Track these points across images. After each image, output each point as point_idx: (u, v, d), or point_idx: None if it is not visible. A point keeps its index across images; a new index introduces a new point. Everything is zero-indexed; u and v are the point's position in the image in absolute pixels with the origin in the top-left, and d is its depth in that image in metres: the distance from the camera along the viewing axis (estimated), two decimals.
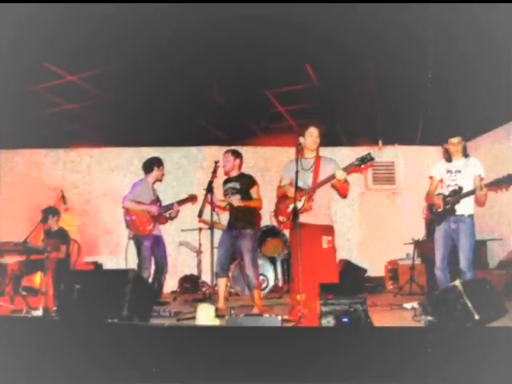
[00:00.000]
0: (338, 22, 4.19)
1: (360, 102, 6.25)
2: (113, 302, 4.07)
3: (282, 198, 4.84)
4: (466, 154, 4.83)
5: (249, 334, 3.30)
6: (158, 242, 6.03)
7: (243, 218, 5.29)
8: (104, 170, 8.25)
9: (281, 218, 4.85)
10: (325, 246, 4.53)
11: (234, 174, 5.50)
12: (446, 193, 4.78)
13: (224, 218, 5.79)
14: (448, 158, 4.90)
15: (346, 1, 3.89)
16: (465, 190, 4.62)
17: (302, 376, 2.84)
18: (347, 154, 6.74)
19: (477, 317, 3.67)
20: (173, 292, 7.50)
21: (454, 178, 4.77)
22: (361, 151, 4.63)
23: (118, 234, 7.52)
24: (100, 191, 8.17)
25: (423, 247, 7.17)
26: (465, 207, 4.68)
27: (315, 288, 4.06)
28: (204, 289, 7.14)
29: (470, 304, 3.73)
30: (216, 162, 5.23)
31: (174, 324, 4.57)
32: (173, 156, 8.09)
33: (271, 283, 7.04)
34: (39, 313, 4.81)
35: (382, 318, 4.62)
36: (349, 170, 4.40)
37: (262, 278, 6.68)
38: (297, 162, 4.42)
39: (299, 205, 4.40)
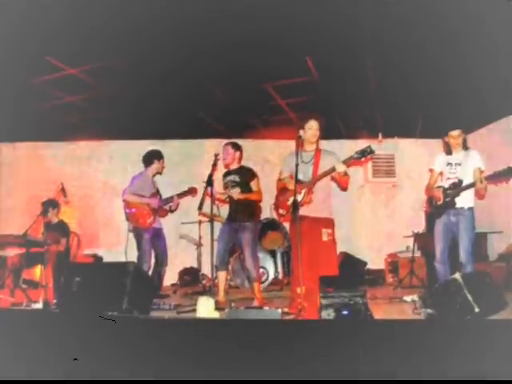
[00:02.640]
0: (337, 14, 4.17)
1: (360, 94, 6.23)
2: (113, 295, 4.08)
3: (282, 190, 4.83)
4: (466, 147, 4.82)
5: (249, 326, 3.31)
6: (158, 235, 6.03)
7: (243, 211, 5.29)
8: (104, 163, 8.24)
9: (281, 211, 4.84)
10: (325, 238, 4.52)
11: (233, 166, 5.50)
12: (446, 185, 4.77)
13: (224, 210, 5.79)
14: (448, 150, 4.89)
15: None
16: (465, 183, 4.62)
17: (302, 368, 2.85)
18: (347, 147, 6.71)
19: (477, 309, 3.67)
20: (173, 285, 7.53)
21: (454, 170, 4.77)
22: (361, 144, 4.61)
23: (118, 226, 7.50)
24: (100, 184, 8.17)
25: (423, 240, 7.17)
26: (465, 200, 4.67)
27: (315, 281, 4.06)
28: (204, 281, 7.13)
29: (470, 297, 3.73)
30: (216, 155, 5.23)
31: (174, 317, 4.57)
32: (173, 149, 8.06)
33: (271, 276, 7.06)
34: (39, 305, 4.81)
35: (382, 311, 4.64)
36: (349, 162, 4.39)
37: (262, 270, 6.70)
38: (297, 154, 4.40)
39: (299, 198, 4.39)
